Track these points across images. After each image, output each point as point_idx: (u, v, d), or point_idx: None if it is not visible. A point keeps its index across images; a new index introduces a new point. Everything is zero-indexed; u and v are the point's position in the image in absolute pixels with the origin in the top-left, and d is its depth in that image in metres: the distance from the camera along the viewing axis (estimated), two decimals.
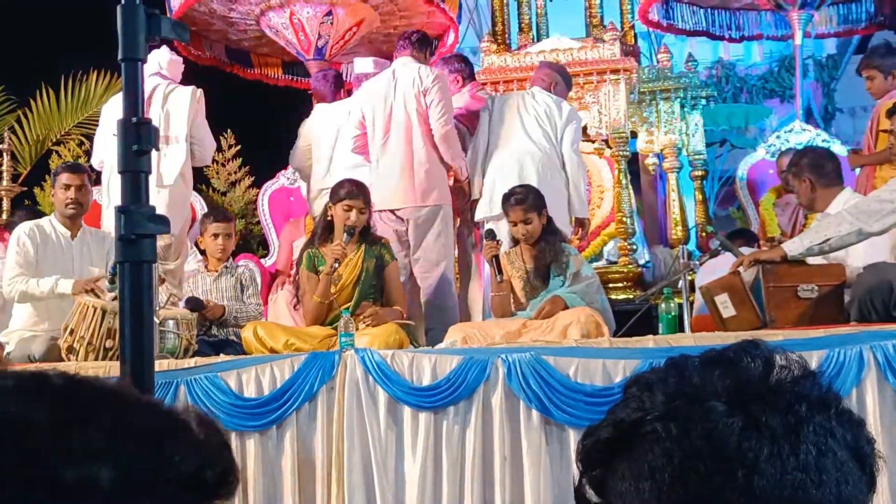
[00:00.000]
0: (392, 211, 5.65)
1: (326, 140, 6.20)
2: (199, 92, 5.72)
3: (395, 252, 5.48)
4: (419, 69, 5.72)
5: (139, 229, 1.57)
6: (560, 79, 6.12)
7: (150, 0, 1.70)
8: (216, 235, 5.59)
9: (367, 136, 5.80)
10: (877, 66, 5.96)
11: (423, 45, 5.96)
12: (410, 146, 5.60)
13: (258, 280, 5.74)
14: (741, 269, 4.38)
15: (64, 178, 5.27)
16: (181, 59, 5.90)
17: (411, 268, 5.63)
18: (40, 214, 6.38)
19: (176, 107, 5.63)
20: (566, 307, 4.69)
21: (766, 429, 0.79)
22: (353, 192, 5.18)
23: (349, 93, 6.70)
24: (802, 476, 0.78)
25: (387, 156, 5.67)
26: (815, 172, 4.71)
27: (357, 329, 4.73)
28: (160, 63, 5.76)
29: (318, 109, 6.43)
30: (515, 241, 5.11)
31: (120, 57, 1.60)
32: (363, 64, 6.30)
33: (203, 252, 6.15)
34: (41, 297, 5.02)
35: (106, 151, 5.65)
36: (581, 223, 5.83)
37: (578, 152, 5.93)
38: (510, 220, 4.99)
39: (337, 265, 5.05)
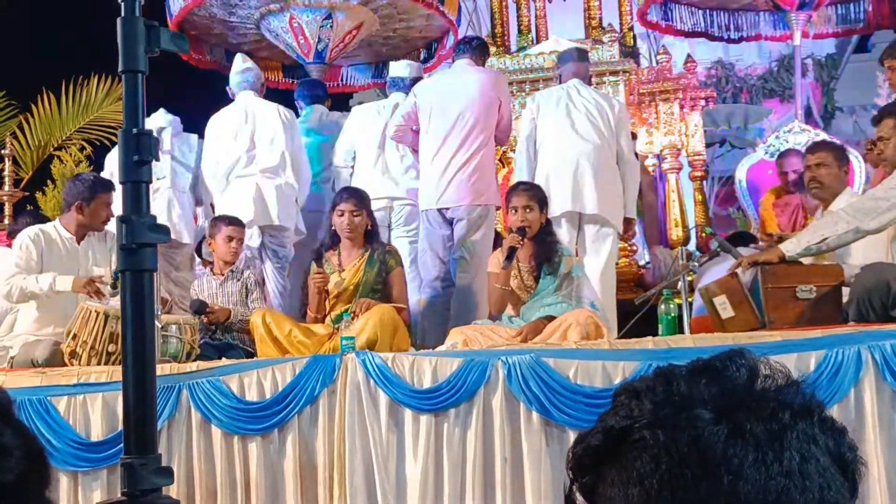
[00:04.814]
0: (439, 210, 5.71)
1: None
2: None
3: (440, 255, 5.65)
4: (483, 76, 5.87)
5: (140, 238, 1.59)
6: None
7: (150, 4, 1.72)
8: (230, 238, 5.57)
9: (406, 127, 5.91)
10: None
11: (483, 51, 6.19)
12: (469, 149, 5.69)
13: (263, 285, 5.76)
14: (739, 270, 4.39)
15: (110, 197, 5.25)
16: None
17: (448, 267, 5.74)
18: (44, 218, 6.39)
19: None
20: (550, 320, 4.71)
21: (751, 436, 0.81)
22: (343, 196, 5.28)
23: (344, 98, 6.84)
24: (786, 482, 0.81)
25: (442, 155, 5.73)
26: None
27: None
28: None
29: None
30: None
31: (120, 69, 1.63)
32: (399, 67, 6.45)
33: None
34: (39, 295, 5.02)
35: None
36: (628, 223, 5.99)
37: (633, 152, 6.07)
38: (512, 205, 5.01)
39: (327, 293, 5.14)
